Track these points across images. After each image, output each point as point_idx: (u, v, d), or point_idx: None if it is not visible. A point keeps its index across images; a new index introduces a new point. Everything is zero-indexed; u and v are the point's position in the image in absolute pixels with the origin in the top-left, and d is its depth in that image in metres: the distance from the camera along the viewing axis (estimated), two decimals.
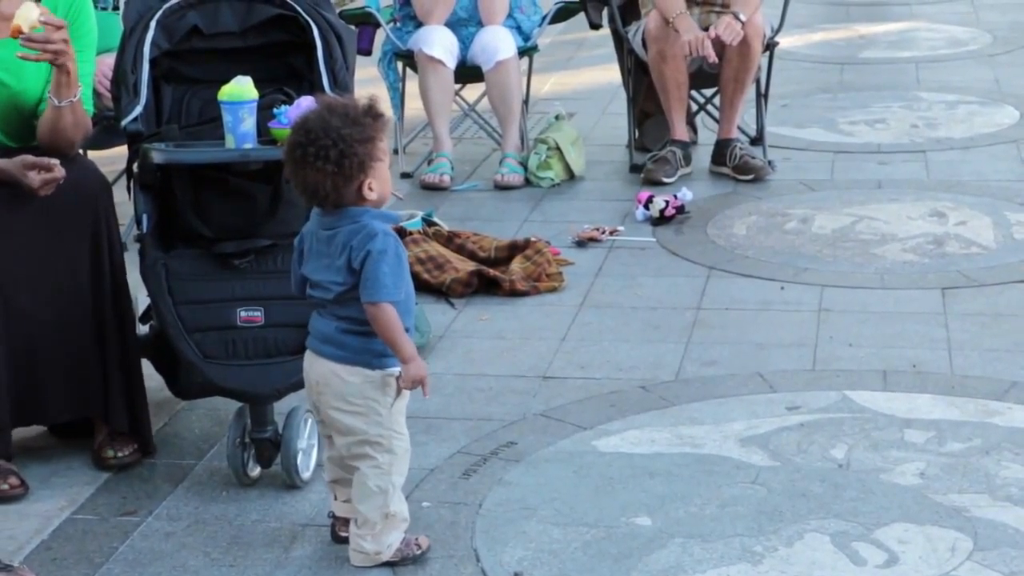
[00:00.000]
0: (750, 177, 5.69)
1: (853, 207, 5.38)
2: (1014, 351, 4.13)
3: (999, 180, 5.67)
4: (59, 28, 3.33)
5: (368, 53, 5.80)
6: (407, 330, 2.94)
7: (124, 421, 3.49)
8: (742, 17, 5.55)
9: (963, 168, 5.82)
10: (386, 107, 5.81)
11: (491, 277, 4.62)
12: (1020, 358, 4.08)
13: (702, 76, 5.82)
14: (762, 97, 5.99)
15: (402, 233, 4.69)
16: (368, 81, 5.71)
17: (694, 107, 6.09)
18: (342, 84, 3.61)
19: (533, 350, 4.21)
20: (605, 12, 6.00)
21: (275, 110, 3.42)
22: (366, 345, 2.93)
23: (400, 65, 5.97)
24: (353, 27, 5.68)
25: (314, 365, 3.00)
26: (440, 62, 5.71)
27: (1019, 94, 6.77)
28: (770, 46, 5.87)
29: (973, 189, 5.55)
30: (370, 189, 2.90)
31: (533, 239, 4.84)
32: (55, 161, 3.36)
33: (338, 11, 5.68)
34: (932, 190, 5.56)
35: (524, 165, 5.74)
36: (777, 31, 5.94)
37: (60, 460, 3.57)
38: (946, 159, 5.94)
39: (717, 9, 5.73)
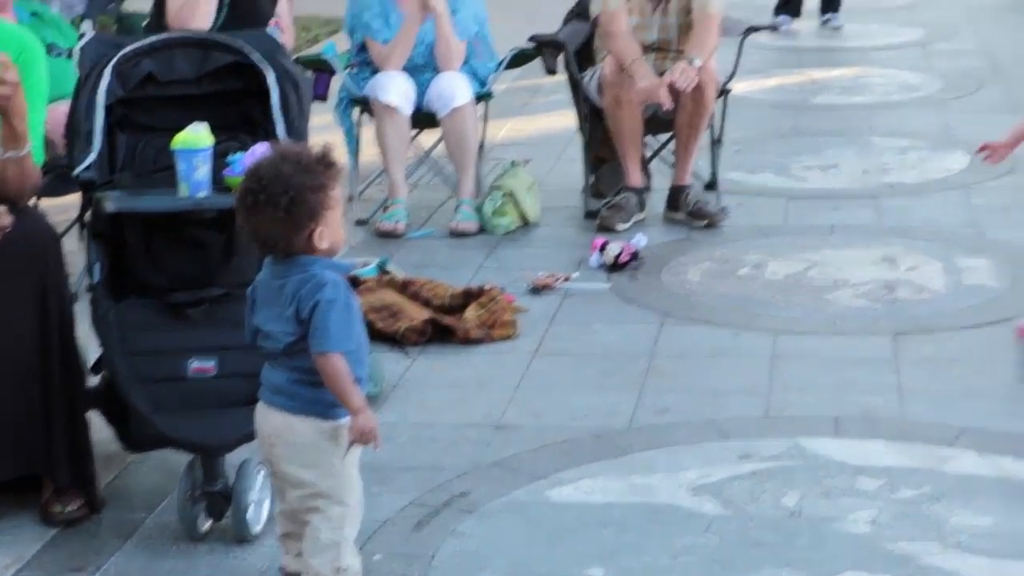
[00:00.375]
0: (704, 223, 5.73)
1: (806, 252, 5.42)
2: (965, 397, 4.16)
3: (950, 225, 5.72)
4: (5, 83, 3.30)
5: (324, 99, 5.81)
6: (359, 380, 2.93)
7: (67, 476, 3.45)
8: (697, 63, 5.60)
9: (914, 213, 5.88)
10: (342, 153, 5.82)
11: (445, 325, 4.62)
12: (970, 404, 4.12)
13: (657, 122, 5.86)
14: (716, 143, 6.04)
15: (356, 281, 4.68)
16: (324, 127, 5.73)
17: (649, 153, 6.13)
18: (297, 131, 3.62)
19: (487, 398, 4.21)
20: (561, 58, 6.03)
21: (229, 158, 3.42)
22: (318, 396, 2.92)
23: (356, 111, 5.98)
24: (309, 73, 5.70)
25: (266, 416, 2.98)
26: (396, 109, 5.72)
27: (969, 139, 6.83)
28: (724, 92, 5.93)
29: (924, 234, 5.60)
30: (321, 238, 2.90)
31: (488, 286, 4.85)
32: (2, 208, 3.33)
33: (294, 57, 5.70)
34: (884, 235, 5.61)
35: (479, 212, 5.75)
36: (731, 77, 5.99)
37: (6, 516, 3.51)
38: (898, 204, 6.00)
39: (672, 55, 5.78)
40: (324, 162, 2.92)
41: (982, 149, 4.50)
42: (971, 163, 6.46)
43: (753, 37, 6.30)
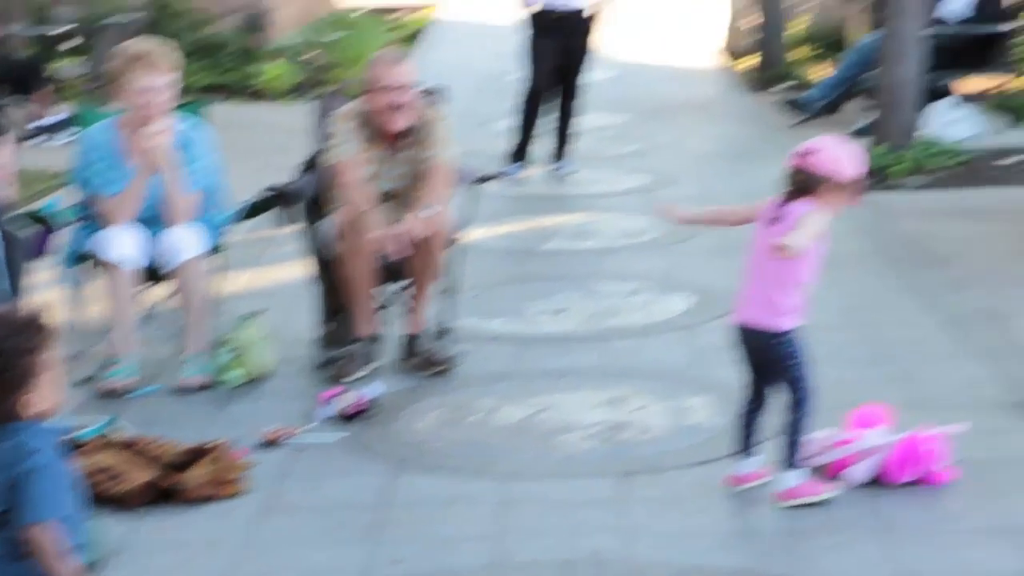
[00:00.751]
0: (437, 370, 5.79)
1: (537, 397, 5.52)
2: (688, 535, 4.29)
3: (674, 365, 5.93)
4: None
5: (44, 255, 5.68)
6: (77, 548, 2.84)
7: None
8: (429, 212, 5.71)
9: (641, 355, 6.07)
10: (65, 310, 5.69)
11: (171, 484, 4.52)
12: (696, 542, 4.25)
13: (390, 271, 5.93)
14: (450, 290, 6.14)
15: (75, 444, 4.55)
16: (48, 284, 5.59)
17: (383, 301, 6.18)
18: (14, 290, 3.54)
19: (215, 559, 4.12)
20: (295, 209, 6.06)
21: None
22: (26, 570, 2.82)
23: (83, 266, 5.85)
24: (34, 227, 5.57)
25: None
26: (122, 264, 5.63)
27: (692, 282, 7.12)
28: (456, 240, 6.05)
29: (650, 375, 5.78)
30: (33, 403, 2.83)
31: (216, 442, 4.77)
32: None
33: (21, 210, 5.58)
34: (612, 377, 5.76)
35: (211, 366, 5.67)
36: (464, 225, 6.13)
37: None
38: (625, 347, 6.19)
39: (405, 203, 5.87)
40: (36, 324, 2.87)
41: (666, 213, 4.75)
42: (695, 305, 6.73)
43: (486, 185, 6.47)
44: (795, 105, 11.69)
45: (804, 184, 4.36)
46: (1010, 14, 11.41)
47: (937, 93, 10.53)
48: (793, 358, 4.42)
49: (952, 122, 10.39)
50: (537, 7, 9.74)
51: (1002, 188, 8.94)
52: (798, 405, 4.42)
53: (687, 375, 5.80)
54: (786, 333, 4.42)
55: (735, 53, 15.23)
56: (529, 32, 9.82)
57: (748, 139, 11.31)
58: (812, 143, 4.42)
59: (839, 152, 4.39)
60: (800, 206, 4.36)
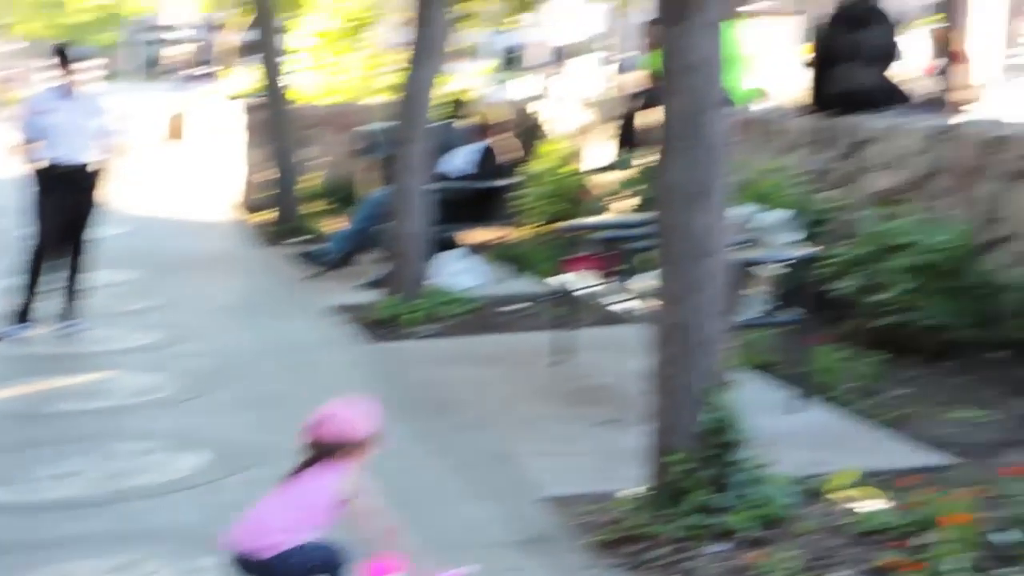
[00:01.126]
0: None
1: (44, 567, 5.24)
2: None
3: (189, 526, 5.78)
4: None
5: None
6: None
7: None
8: None
9: (154, 516, 5.89)
10: None
11: None
12: None
13: None
14: None
15: None
16: None
17: None
18: None
19: None
20: None
21: None
22: None
23: None
24: None
25: None
26: None
27: (208, 438, 7.02)
28: None
29: (163, 537, 5.61)
30: None
31: None
32: None
33: None
34: (124, 541, 5.55)
35: None
36: None
37: None
38: (138, 508, 5.99)
39: None
40: None
41: None
42: (210, 462, 6.62)
43: None
44: (310, 257, 11.91)
45: (321, 452, 4.43)
46: (507, 171, 12.18)
47: (445, 244, 11.05)
48: (298, 564, 4.39)
49: (459, 272, 10.90)
50: (42, 163, 9.47)
51: (506, 335, 9.41)
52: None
53: (202, 534, 5.64)
54: (281, 553, 4.40)
55: (251, 207, 15.37)
56: (34, 187, 9.52)
57: (264, 292, 11.39)
58: (321, 412, 4.47)
59: (349, 415, 4.49)
60: (317, 472, 4.41)
